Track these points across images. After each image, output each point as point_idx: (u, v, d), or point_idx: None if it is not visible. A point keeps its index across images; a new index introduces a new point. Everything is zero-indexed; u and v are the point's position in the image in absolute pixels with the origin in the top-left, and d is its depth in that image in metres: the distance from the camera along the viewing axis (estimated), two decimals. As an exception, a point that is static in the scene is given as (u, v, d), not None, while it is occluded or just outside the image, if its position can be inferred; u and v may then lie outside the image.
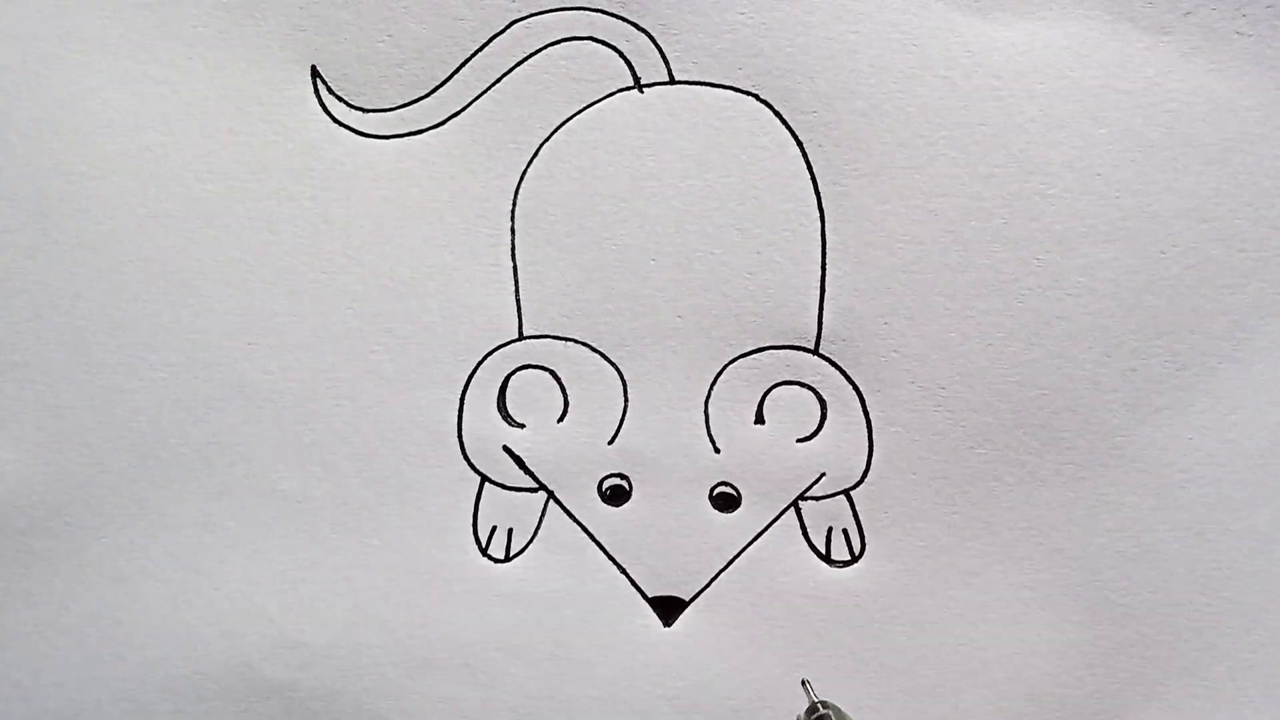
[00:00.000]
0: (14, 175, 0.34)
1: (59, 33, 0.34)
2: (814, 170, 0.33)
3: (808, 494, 0.34)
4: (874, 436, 0.33)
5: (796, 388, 0.33)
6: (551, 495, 0.34)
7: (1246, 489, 0.33)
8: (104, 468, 0.34)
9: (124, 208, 0.34)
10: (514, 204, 0.34)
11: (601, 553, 0.34)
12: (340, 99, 0.33)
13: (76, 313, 0.34)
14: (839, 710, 0.32)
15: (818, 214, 0.33)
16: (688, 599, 0.34)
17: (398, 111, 0.34)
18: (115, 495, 0.34)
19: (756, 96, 0.33)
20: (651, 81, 0.33)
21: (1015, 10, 0.33)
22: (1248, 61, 0.32)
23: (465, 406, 0.34)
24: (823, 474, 0.34)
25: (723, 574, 0.34)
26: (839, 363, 0.33)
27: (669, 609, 0.34)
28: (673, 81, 0.33)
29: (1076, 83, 0.33)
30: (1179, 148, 0.33)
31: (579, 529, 0.34)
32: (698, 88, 0.33)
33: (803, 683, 0.33)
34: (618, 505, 0.34)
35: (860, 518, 0.34)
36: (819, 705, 0.32)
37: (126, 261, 0.34)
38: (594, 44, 0.33)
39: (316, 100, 0.34)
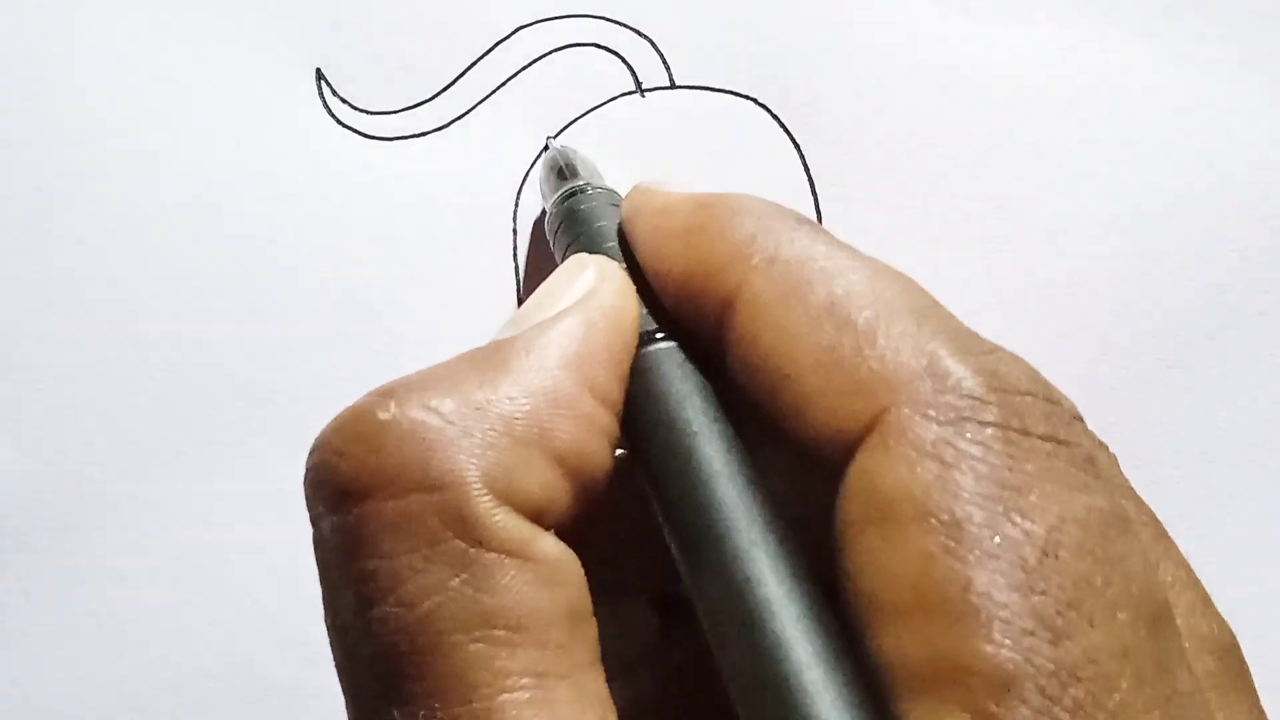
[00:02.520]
0: (14, 175, 0.34)
1: (61, 33, 0.34)
2: (811, 172, 0.34)
3: (806, 491, 0.34)
4: (871, 434, 0.34)
5: (795, 386, 0.34)
6: (552, 494, 0.34)
7: (1236, 484, 0.34)
8: (104, 467, 0.34)
9: (124, 208, 0.34)
10: (516, 206, 0.34)
11: (602, 551, 0.34)
12: (345, 101, 0.34)
13: (76, 313, 0.34)
14: (568, 150, 0.31)
15: (815, 215, 0.34)
16: (688, 596, 0.34)
17: (402, 114, 0.34)
18: (116, 494, 0.34)
19: (755, 100, 0.34)
20: (653, 86, 0.34)
21: (1006, 15, 0.34)
22: (1233, 63, 0.33)
23: (466, 406, 0.34)
24: (821, 471, 0.34)
25: (722, 571, 0.34)
26: (837, 361, 0.34)
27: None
28: (674, 86, 0.34)
29: (1066, 85, 0.34)
30: (1167, 148, 0.34)
31: (579, 527, 0.34)
32: (698, 92, 0.34)
33: (548, 137, 0.33)
34: (618, 503, 0.34)
35: (857, 514, 0.34)
36: (554, 145, 0.32)
37: (126, 261, 0.34)
38: (597, 49, 0.34)
39: (321, 102, 0.34)
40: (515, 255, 0.34)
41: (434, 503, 0.18)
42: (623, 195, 0.25)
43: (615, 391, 0.20)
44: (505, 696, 0.17)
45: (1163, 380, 0.34)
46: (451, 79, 0.34)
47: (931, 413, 0.18)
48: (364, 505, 0.18)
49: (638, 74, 0.34)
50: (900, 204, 0.34)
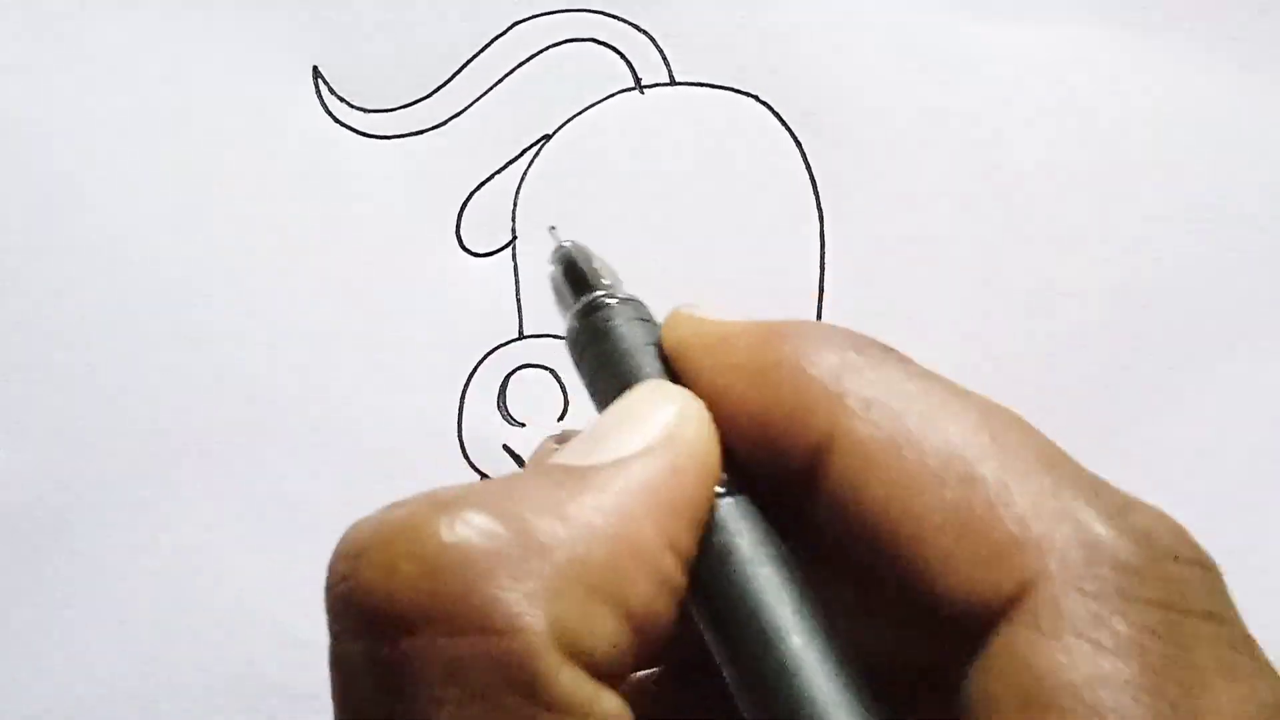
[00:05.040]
0: (14, 175, 0.34)
1: (60, 33, 0.34)
2: (812, 171, 0.33)
3: (807, 492, 0.34)
4: (872, 435, 0.34)
5: (796, 386, 0.34)
6: (552, 494, 0.34)
7: (1239, 485, 0.34)
8: (104, 468, 0.34)
9: (124, 208, 0.34)
10: (515, 204, 0.34)
11: (602, 551, 0.34)
12: (342, 99, 0.34)
13: (76, 313, 0.34)
14: (582, 249, 0.30)
15: (816, 214, 0.33)
16: (688, 597, 0.34)
17: (399, 112, 0.34)
18: (116, 495, 0.34)
19: (756, 98, 0.33)
20: (652, 83, 0.34)
21: (1009, 15, 0.33)
22: (1237, 66, 0.33)
23: (465, 406, 0.34)
24: (822, 472, 0.34)
25: (723, 572, 0.34)
26: (838, 361, 0.34)
27: (669, 607, 0.34)
28: (673, 83, 0.33)
29: (1069, 86, 0.33)
30: (1170, 150, 0.33)
31: (579, 528, 0.34)
32: (698, 89, 0.33)
33: (550, 229, 0.32)
34: (618, 504, 0.34)
35: (859, 515, 0.34)
36: (563, 243, 0.31)
37: (126, 261, 0.34)
38: (595, 45, 0.34)
39: (319, 101, 0.34)
40: (514, 253, 0.34)
41: (495, 648, 0.16)
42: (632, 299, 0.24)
43: (691, 548, 0.18)
44: None
45: (1166, 381, 0.33)
46: (449, 76, 0.34)
47: (1085, 586, 0.16)
48: (414, 640, 0.16)
49: (637, 70, 0.33)
50: (901, 201, 0.33)
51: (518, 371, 0.34)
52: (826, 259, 0.33)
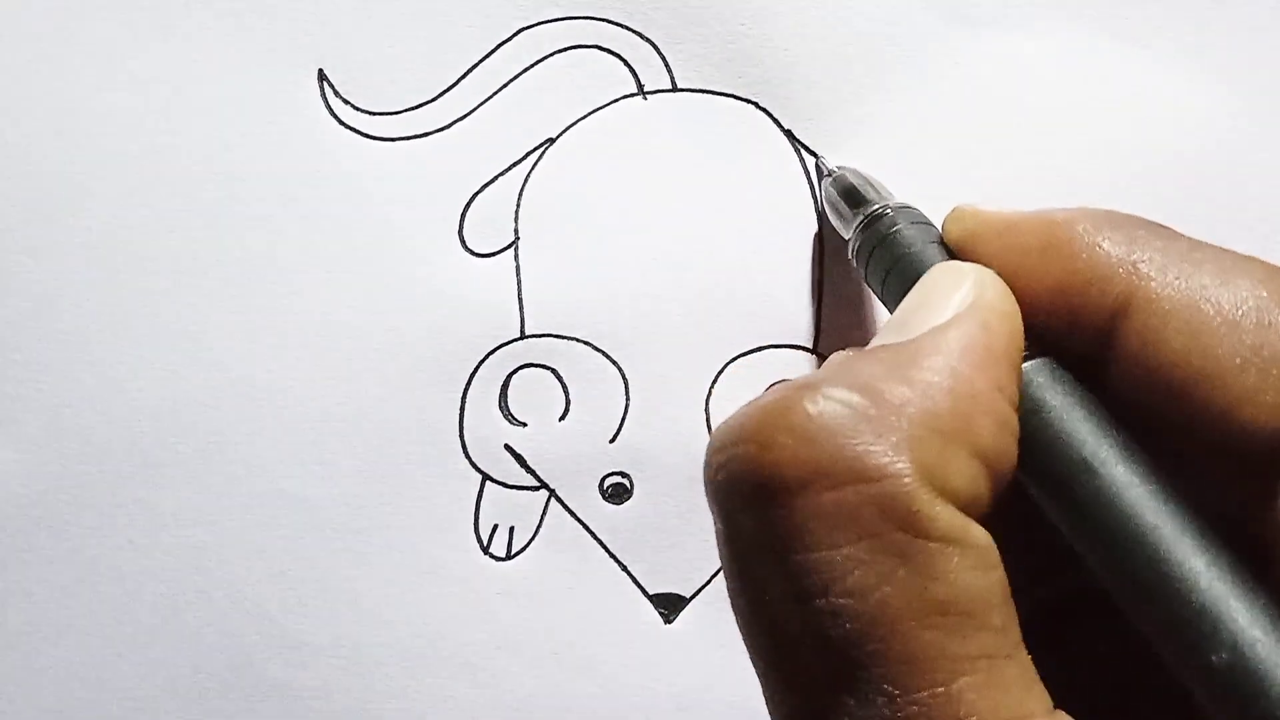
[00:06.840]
0: (14, 175, 0.34)
1: (61, 33, 0.34)
2: (812, 177, 0.34)
3: (805, 491, 0.34)
4: (870, 434, 0.34)
5: (795, 387, 0.34)
6: (553, 493, 0.34)
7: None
8: (104, 467, 0.34)
9: (124, 208, 0.34)
10: (517, 206, 0.34)
11: (603, 550, 0.34)
12: (346, 102, 0.34)
13: (76, 313, 0.34)
14: (853, 170, 0.32)
15: (815, 216, 0.34)
16: (689, 595, 0.34)
17: (404, 115, 0.34)
18: (115, 494, 0.34)
19: (756, 104, 0.34)
20: (655, 89, 0.34)
21: (1001, 25, 0.34)
22: (1219, 73, 0.34)
23: (467, 405, 0.34)
24: (820, 471, 0.34)
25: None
26: (836, 362, 0.34)
27: (670, 605, 0.34)
28: (675, 89, 0.34)
29: (1059, 93, 0.34)
30: (1157, 156, 0.34)
31: (580, 527, 0.34)
32: (700, 95, 0.34)
33: (817, 158, 0.33)
34: (619, 503, 0.34)
35: (857, 514, 0.34)
36: (835, 169, 0.32)
37: (126, 261, 0.34)
38: (599, 52, 0.34)
39: (323, 102, 0.34)
40: (517, 254, 0.34)
41: (873, 494, 0.18)
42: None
43: (1015, 393, 0.20)
44: (964, 680, 0.17)
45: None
46: (454, 80, 0.34)
47: None
48: (801, 498, 0.18)
49: (640, 76, 0.34)
50: (899, 206, 0.34)
51: (519, 371, 0.34)
52: (825, 263, 0.34)
